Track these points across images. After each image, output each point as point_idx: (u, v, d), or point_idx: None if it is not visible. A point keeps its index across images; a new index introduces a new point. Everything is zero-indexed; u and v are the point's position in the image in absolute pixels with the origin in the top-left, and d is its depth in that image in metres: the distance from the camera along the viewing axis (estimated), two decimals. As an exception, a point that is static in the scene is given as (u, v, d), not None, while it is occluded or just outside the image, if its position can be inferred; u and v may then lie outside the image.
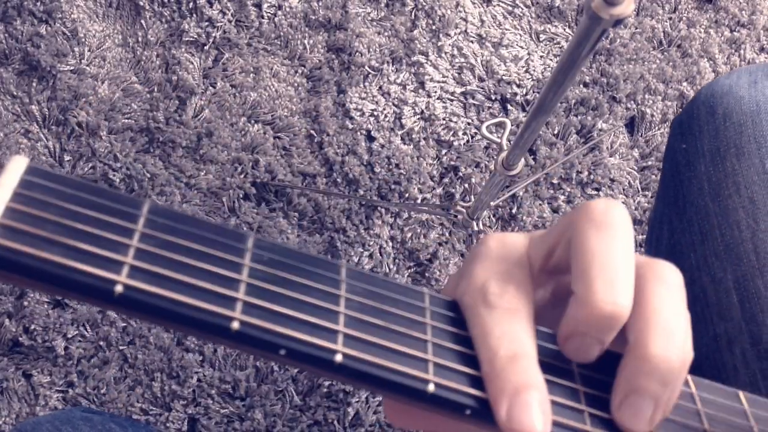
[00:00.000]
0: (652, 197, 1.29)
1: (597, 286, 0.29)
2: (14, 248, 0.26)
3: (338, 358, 0.28)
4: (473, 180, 1.27)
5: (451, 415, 0.29)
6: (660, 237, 0.74)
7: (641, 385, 0.30)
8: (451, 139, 1.29)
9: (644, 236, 1.25)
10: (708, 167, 0.69)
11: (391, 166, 1.27)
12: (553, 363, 0.31)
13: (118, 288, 0.27)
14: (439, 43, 1.35)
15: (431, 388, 0.28)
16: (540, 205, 1.26)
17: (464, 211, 1.08)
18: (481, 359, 0.30)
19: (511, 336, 0.29)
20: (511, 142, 0.87)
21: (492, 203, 1.05)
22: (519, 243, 0.33)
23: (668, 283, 0.31)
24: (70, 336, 1.13)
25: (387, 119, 1.30)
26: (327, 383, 1.14)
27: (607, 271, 0.30)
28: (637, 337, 0.30)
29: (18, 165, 0.28)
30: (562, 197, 1.27)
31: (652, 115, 1.33)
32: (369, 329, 0.29)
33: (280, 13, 1.34)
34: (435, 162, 1.28)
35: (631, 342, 0.30)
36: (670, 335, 0.30)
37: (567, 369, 0.31)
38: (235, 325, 0.27)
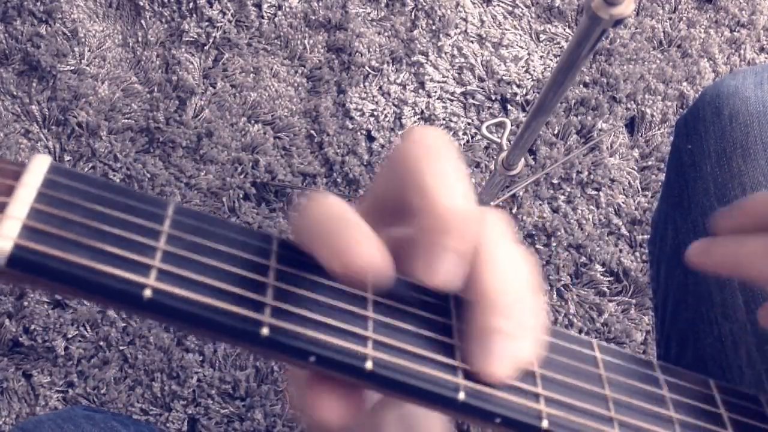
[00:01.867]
0: (652, 197, 1.29)
1: (437, 190, 0.29)
2: (40, 251, 0.25)
3: (368, 365, 0.28)
4: (473, 180, 1.27)
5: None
6: (664, 237, 0.74)
7: (491, 325, 0.29)
8: (451, 139, 1.29)
9: (645, 236, 1.25)
10: (714, 168, 0.69)
11: (391, 166, 1.27)
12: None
13: (147, 292, 0.26)
14: (439, 43, 1.35)
15: (265, 331, 0.27)
16: (540, 205, 1.26)
17: (464, 211, 1.08)
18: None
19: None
20: (511, 142, 0.87)
21: (492, 203, 1.05)
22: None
23: (494, 225, 0.30)
24: (70, 336, 1.13)
25: (387, 119, 1.30)
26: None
27: (443, 178, 0.29)
28: (476, 278, 0.29)
29: (41, 164, 0.27)
30: (562, 197, 1.27)
31: (652, 115, 1.33)
32: None
33: (280, 13, 1.34)
34: (435, 162, 1.28)
35: (472, 284, 0.29)
36: (509, 269, 0.29)
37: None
38: (265, 330, 0.27)
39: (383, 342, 0.28)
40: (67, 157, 1.23)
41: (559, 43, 1.38)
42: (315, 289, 0.29)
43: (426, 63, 1.34)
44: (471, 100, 1.32)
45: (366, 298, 0.29)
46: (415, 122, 1.30)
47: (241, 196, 1.23)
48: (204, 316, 0.26)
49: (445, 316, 0.30)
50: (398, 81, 1.32)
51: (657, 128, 1.33)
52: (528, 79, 1.34)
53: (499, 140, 0.94)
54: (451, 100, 1.32)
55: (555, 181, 1.28)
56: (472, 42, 1.36)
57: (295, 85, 1.31)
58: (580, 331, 1.20)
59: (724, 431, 0.32)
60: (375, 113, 1.30)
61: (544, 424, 0.29)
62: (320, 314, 0.28)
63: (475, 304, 0.29)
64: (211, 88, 1.29)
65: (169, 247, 0.27)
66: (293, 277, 0.29)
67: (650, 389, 0.32)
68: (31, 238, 0.25)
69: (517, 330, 0.29)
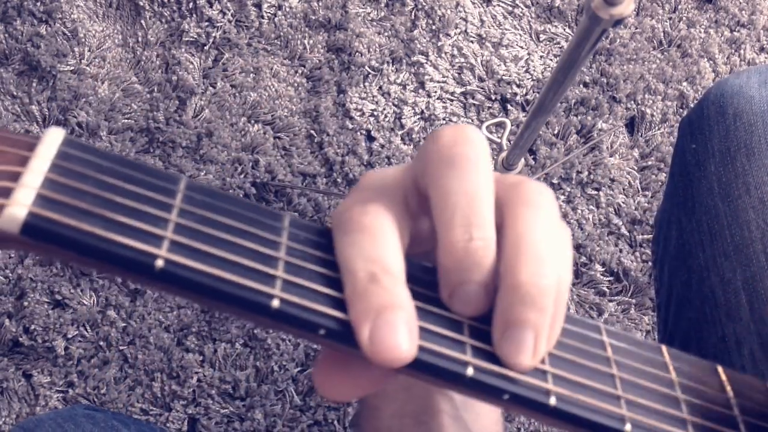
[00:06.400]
0: (652, 197, 1.29)
1: (454, 228, 0.28)
2: (54, 219, 0.25)
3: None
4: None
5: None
6: (668, 236, 0.74)
7: (517, 315, 0.28)
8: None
9: (645, 236, 1.25)
10: (718, 167, 0.69)
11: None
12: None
13: (159, 262, 0.26)
14: (439, 43, 1.35)
15: (275, 303, 0.27)
16: (540, 205, 1.26)
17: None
18: (344, 283, 0.28)
19: (369, 256, 0.28)
20: (511, 142, 0.87)
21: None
22: (391, 171, 0.31)
23: (535, 205, 0.29)
24: (70, 336, 1.13)
25: (387, 119, 1.30)
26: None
27: (460, 209, 0.28)
28: (506, 265, 0.28)
29: (55, 136, 0.28)
30: (562, 197, 1.27)
31: (652, 115, 1.33)
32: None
33: (280, 13, 1.34)
34: (435, 162, 1.28)
35: (501, 272, 0.28)
36: (540, 259, 0.28)
37: None
38: (275, 303, 0.27)
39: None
40: (67, 157, 1.23)
41: (559, 43, 1.38)
42: (325, 266, 0.29)
43: (426, 63, 1.33)
44: (471, 100, 1.32)
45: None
46: (415, 122, 1.30)
47: (241, 196, 1.23)
48: (214, 287, 0.27)
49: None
50: (398, 81, 1.32)
51: (657, 128, 1.33)
52: (528, 79, 1.34)
53: (499, 140, 0.94)
54: (451, 100, 1.32)
55: (555, 181, 1.28)
56: (472, 42, 1.36)
57: (295, 85, 1.31)
58: (580, 331, 1.20)
59: (730, 413, 0.32)
60: (375, 113, 1.30)
61: (552, 401, 0.29)
62: (330, 289, 0.28)
63: (501, 290, 0.29)
64: (211, 88, 1.29)
65: (181, 220, 0.28)
66: (304, 253, 0.29)
67: (658, 372, 0.32)
68: (45, 206, 0.26)
69: (547, 326, 0.29)
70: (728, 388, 0.33)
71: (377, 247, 0.28)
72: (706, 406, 0.32)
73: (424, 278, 0.30)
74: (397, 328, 0.27)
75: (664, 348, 0.33)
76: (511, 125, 1.23)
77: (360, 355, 0.27)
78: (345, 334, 0.28)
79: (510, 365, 0.29)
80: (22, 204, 0.25)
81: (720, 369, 0.34)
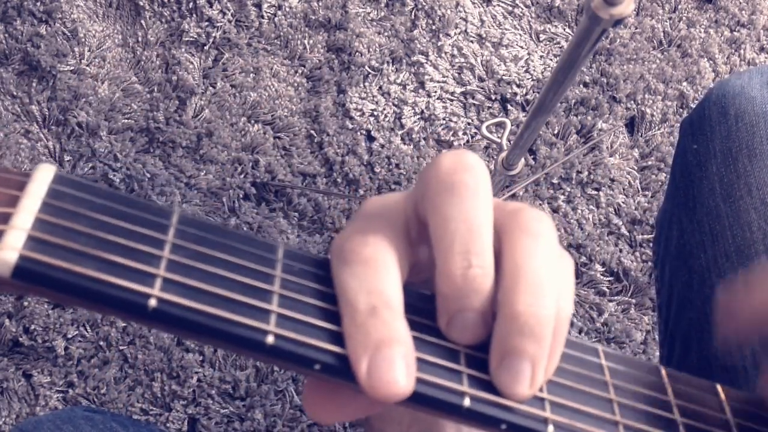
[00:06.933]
0: (652, 197, 1.29)
1: (452, 255, 0.28)
2: (46, 262, 0.25)
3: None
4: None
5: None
6: (669, 237, 0.74)
7: (515, 345, 0.28)
8: (451, 139, 1.29)
9: (645, 236, 1.25)
10: (720, 168, 0.68)
11: (391, 166, 1.27)
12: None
13: (152, 302, 0.26)
14: (439, 43, 1.35)
15: (270, 339, 0.27)
16: (540, 205, 1.26)
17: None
18: (343, 315, 0.28)
19: (369, 288, 0.28)
20: (511, 142, 0.87)
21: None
22: (393, 199, 0.31)
23: (534, 233, 0.29)
24: (70, 336, 1.13)
25: (387, 119, 1.30)
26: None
27: (459, 236, 0.28)
28: (504, 294, 0.28)
29: (46, 174, 0.27)
30: (562, 197, 1.27)
31: (652, 115, 1.33)
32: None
33: (280, 13, 1.34)
34: (435, 162, 1.28)
35: (500, 300, 0.28)
36: (539, 289, 0.28)
37: None
38: (270, 339, 0.27)
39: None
40: (67, 157, 1.23)
41: (559, 43, 1.38)
42: (320, 298, 0.29)
43: (426, 63, 1.33)
44: (471, 100, 1.32)
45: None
46: (415, 122, 1.30)
47: (241, 196, 1.23)
48: (207, 325, 0.26)
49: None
50: (398, 81, 1.32)
51: (657, 128, 1.33)
52: (528, 79, 1.34)
53: (499, 140, 0.94)
54: (451, 100, 1.32)
55: (555, 181, 1.28)
56: (472, 42, 1.36)
57: (295, 85, 1.31)
58: (580, 331, 1.20)
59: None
60: (375, 113, 1.30)
61: (550, 429, 0.29)
62: (326, 322, 0.28)
63: (499, 319, 0.28)
64: (211, 88, 1.29)
65: (174, 256, 0.27)
66: (299, 286, 0.29)
67: (656, 395, 0.32)
68: (36, 248, 0.25)
69: (545, 356, 0.28)
70: (727, 408, 0.33)
71: (378, 279, 0.28)
72: (705, 428, 0.31)
73: (422, 307, 0.30)
74: (395, 364, 0.27)
75: (662, 369, 0.33)
76: (511, 125, 1.23)
77: (357, 389, 0.27)
78: (341, 368, 0.27)
79: (507, 395, 0.28)
80: (12, 248, 0.25)
81: (719, 388, 0.33)
